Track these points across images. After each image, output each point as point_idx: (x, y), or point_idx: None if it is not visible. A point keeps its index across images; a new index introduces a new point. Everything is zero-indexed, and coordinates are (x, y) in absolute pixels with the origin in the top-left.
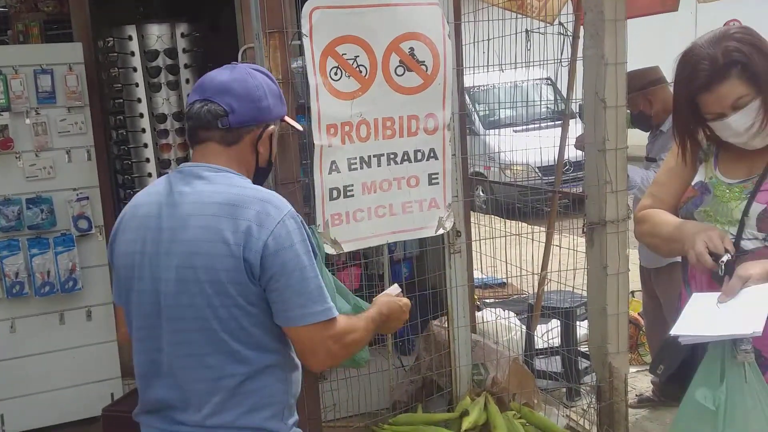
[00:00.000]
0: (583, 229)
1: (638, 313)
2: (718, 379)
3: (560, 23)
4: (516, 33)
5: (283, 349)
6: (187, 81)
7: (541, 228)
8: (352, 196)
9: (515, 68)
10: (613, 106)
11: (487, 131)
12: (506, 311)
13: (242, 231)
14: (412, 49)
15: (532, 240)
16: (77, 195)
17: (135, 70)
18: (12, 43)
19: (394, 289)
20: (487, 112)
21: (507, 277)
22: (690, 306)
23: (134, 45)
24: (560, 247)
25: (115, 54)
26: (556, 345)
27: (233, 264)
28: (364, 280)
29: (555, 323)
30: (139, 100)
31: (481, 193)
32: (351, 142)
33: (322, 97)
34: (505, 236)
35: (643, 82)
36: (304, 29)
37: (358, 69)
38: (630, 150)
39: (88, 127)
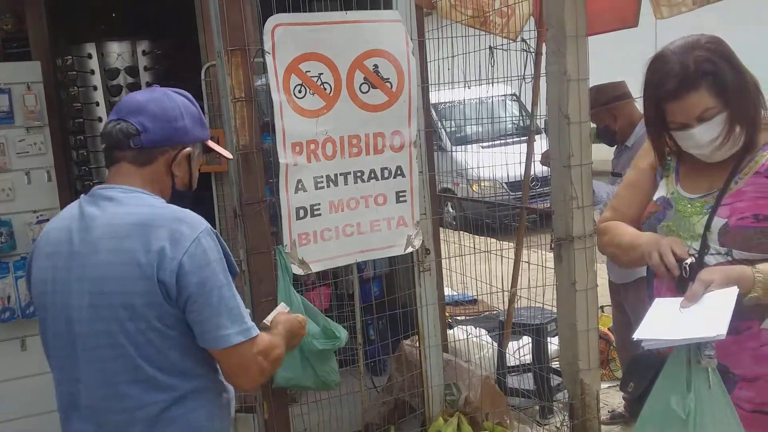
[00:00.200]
0: (551, 245)
1: (608, 328)
2: (684, 387)
3: (523, 40)
4: (480, 50)
5: (208, 373)
6: None
7: (510, 244)
8: (320, 215)
9: (480, 84)
10: (576, 122)
11: (455, 147)
12: (477, 328)
13: (155, 251)
14: (376, 66)
15: (502, 256)
16: (38, 217)
17: (95, 88)
18: None
19: (282, 307)
20: (455, 129)
21: (478, 294)
22: (652, 311)
23: (94, 63)
24: (529, 264)
25: (75, 72)
26: (528, 362)
27: (147, 286)
28: (334, 299)
29: (526, 340)
30: (100, 120)
31: (450, 210)
32: (317, 161)
33: (287, 114)
34: (475, 253)
35: (607, 97)
36: (267, 46)
37: (322, 86)
38: (595, 165)
39: (48, 148)
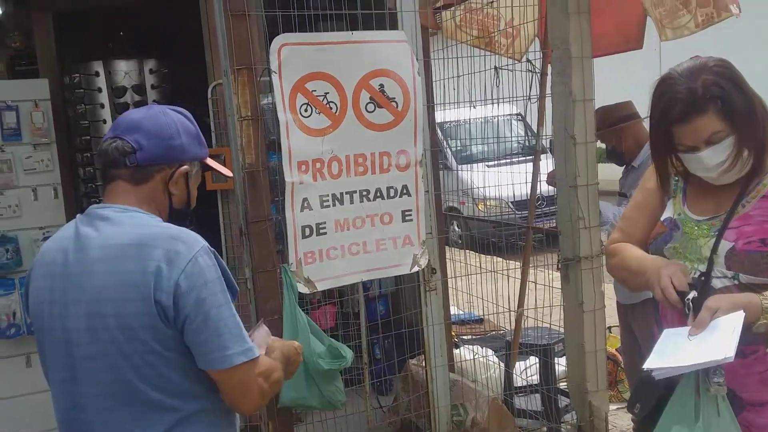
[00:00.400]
0: (557, 265)
1: (616, 349)
2: (693, 416)
3: (528, 60)
4: (485, 70)
5: (212, 394)
6: None
7: (516, 263)
8: (325, 233)
9: (485, 104)
10: (582, 142)
11: (461, 166)
12: (484, 348)
13: (151, 272)
14: (382, 85)
15: (508, 276)
16: (44, 234)
17: (102, 106)
18: None
19: (264, 330)
20: (460, 148)
21: (484, 314)
22: (662, 341)
23: (101, 81)
24: (536, 283)
25: (82, 90)
26: (535, 382)
27: (144, 308)
28: (339, 318)
29: (533, 360)
30: None
31: (456, 228)
32: (323, 179)
33: (293, 133)
34: (481, 273)
35: (614, 118)
36: (273, 66)
37: (328, 105)
38: (601, 185)
39: (55, 165)
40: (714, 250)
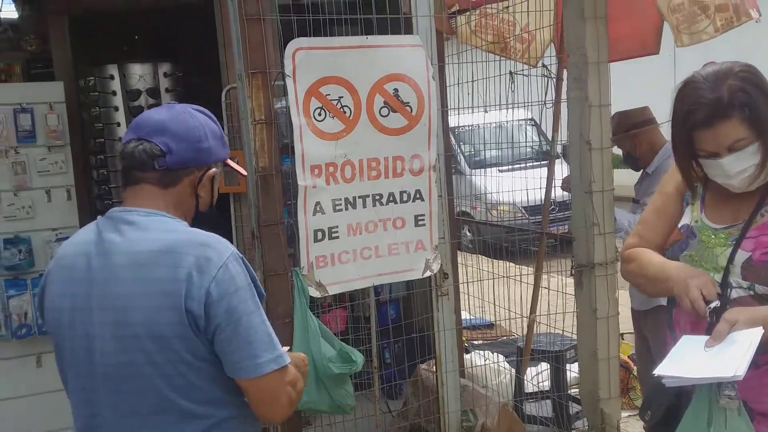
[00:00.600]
0: (571, 272)
1: (628, 356)
2: (705, 426)
3: (543, 65)
4: (500, 75)
5: (239, 401)
6: None
7: (529, 268)
8: (337, 237)
9: (499, 109)
10: (598, 148)
11: (473, 171)
12: (495, 353)
13: (182, 279)
14: (396, 90)
15: (520, 282)
16: (57, 235)
17: (116, 109)
18: None
19: None
20: (473, 153)
21: (496, 319)
22: (678, 347)
23: (116, 84)
24: (549, 289)
25: (97, 93)
26: (546, 389)
27: (175, 317)
28: (350, 322)
29: (544, 366)
30: (121, 140)
31: (467, 233)
32: (336, 183)
33: (306, 137)
34: (493, 278)
35: (631, 123)
36: (287, 69)
37: (342, 109)
38: (615, 191)
39: (69, 167)
40: (730, 259)
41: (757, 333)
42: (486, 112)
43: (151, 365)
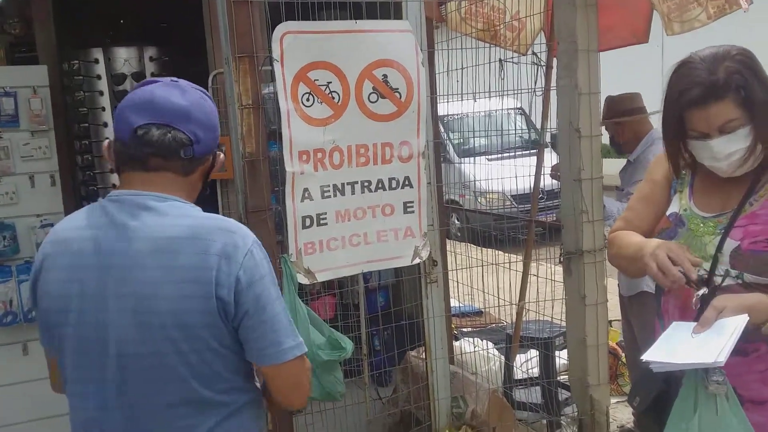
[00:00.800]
0: (559, 259)
1: (616, 343)
2: (692, 411)
3: (533, 53)
4: (489, 62)
5: (253, 388)
6: None
7: (518, 256)
8: (326, 224)
9: (489, 97)
10: (587, 136)
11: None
12: (484, 341)
13: (211, 267)
14: (385, 76)
15: (509, 269)
16: (41, 221)
17: (101, 93)
18: None
19: None
20: (461, 141)
21: (485, 307)
22: (667, 333)
23: (101, 68)
24: (537, 276)
25: (81, 77)
26: (536, 375)
27: (204, 305)
28: (339, 309)
29: (534, 353)
30: (105, 125)
31: (456, 222)
32: (324, 170)
33: (294, 123)
34: (482, 265)
35: (616, 111)
36: (275, 54)
37: (330, 95)
38: (605, 180)
39: (53, 152)
40: (719, 248)
41: (742, 320)
42: (475, 100)
43: (177, 354)
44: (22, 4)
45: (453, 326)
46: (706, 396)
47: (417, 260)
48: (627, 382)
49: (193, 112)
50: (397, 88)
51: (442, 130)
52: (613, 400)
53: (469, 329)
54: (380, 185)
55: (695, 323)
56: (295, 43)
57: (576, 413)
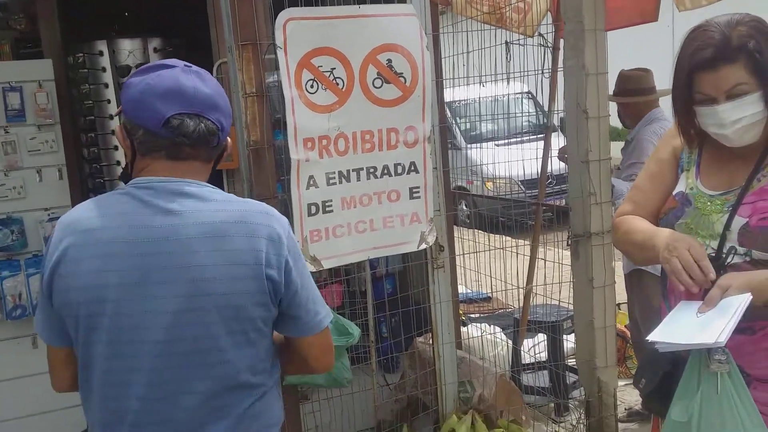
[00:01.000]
0: (567, 242)
1: (625, 326)
2: (694, 390)
3: (540, 35)
4: (496, 45)
5: (278, 369)
6: None
7: (526, 241)
8: (331, 211)
9: (495, 81)
10: (595, 117)
11: (469, 145)
12: (492, 326)
13: (260, 249)
14: (389, 60)
15: (517, 254)
16: (49, 215)
17: (106, 86)
18: None
19: None
20: (468, 126)
21: (492, 292)
22: (673, 313)
23: (105, 60)
24: (545, 261)
25: (86, 70)
26: (543, 359)
27: (256, 286)
28: (346, 297)
29: (541, 337)
30: (111, 117)
31: (464, 207)
32: (329, 156)
33: (298, 110)
34: (489, 250)
35: (626, 89)
36: (279, 41)
37: (334, 81)
38: (614, 161)
39: (59, 146)
40: (727, 226)
41: (744, 299)
42: (482, 84)
43: (229, 335)
44: (26, 1)
45: (461, 312)
46: (709, 374)
47: (423, 245)
48: (635, 365)
49: (217, 100)
50: (402, 73)
51: (449, 115)
52: (621, 383)
53: (478, 315)
54: (386, 171)
55: (701, 302)
56: (298, 30)
57: (583, 396)
